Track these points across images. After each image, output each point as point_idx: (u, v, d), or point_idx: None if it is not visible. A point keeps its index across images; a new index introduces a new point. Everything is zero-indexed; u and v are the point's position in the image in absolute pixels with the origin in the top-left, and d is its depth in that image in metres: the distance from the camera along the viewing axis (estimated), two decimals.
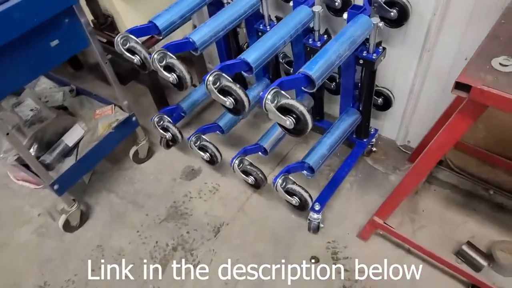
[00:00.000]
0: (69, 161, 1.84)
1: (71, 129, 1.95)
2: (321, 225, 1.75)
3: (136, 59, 1.51)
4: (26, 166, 1.79)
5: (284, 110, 1.22)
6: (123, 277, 1.73)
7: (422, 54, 1.64)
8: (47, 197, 2.07)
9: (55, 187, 1.70)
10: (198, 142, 1.90)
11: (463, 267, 1.52)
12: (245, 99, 1.29)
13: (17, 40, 1.32)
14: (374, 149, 2.03)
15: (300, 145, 2.15)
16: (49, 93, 2.19)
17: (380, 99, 1.88)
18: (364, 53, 1.54)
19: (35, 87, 2.23)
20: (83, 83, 2.54)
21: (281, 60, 2.04)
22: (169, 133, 1.99)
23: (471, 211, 1.78)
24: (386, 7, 1.51)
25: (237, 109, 1.33)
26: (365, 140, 1.93)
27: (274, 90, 1.21)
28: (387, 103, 1.89)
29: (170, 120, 1.98)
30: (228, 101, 1.31)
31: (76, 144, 1.93)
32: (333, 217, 1.83)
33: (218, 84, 1.31)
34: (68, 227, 1.88)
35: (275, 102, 1.22)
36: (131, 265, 1.76)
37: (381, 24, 1.45)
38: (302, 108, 1.18)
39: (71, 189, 1.83)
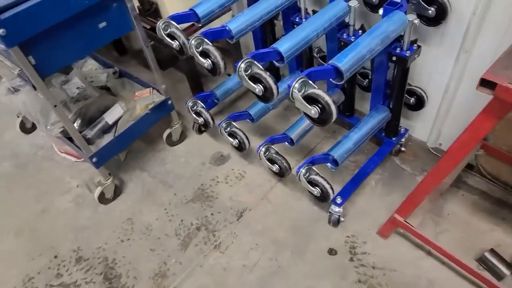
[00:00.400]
0: (108, 138, 1.96)
1: (112, 108, 2.07)
2: (342, 219, 1.76)
3: (175, 44, 1.59)
4: (69, 139, 1.94)
5: (311, 99, 1.25)
6: (149, 249, 1.83)
7: (459, 54, 1.61)
8: (86, 170, 2.22)
9: (94, 160, 1.83)
10: (228, 128, 1.97)
11: (484, 274, 1.49)
12: (274, 87, 1.34)
13: (69, 20, 1.44)
14: (403, 149, 2.01)
15: (328, 140, 2.16)
16: (94, 74, 2.33)
17: (413, 99, 1.86)
18: (398, 50, 1.54)
19: (82, 67, 2.39)
20: (126, 67, 2.67)
21: (315, 55, 2.07)
22: (202, 118, 2.07)
23: (500, 220, 1.73)
24: (425, 5, 1.50)
25: (266, 97, 1.38)
26: (394, 139, 1.91)
27: (302, 79, 1.25)
28: (419, 103, 1.86)
29: (204, 106, 2.06)
30: (258, 88, 1.36)
31: (115, 122, 2.05)
32: (355, 213, 1.84)
33: (249, 71, 1.36)
34: (102, 199, 2.01)
35: (302, 91, 1.26)
36: (157, 239, 1.87)
37: (416, 21, 1.44)
38: (327, 98, 1.21)
39: (107, 164, 1.96)
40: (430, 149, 2.03)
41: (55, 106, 1.58)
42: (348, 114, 2.06)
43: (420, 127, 2.02)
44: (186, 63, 2.22)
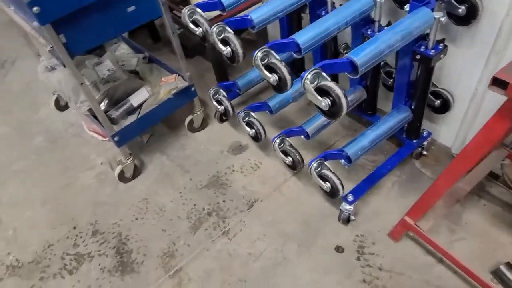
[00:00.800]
0: (131, 119, 2.04)
1: (138, 91, 2.15)
2: (352, 218, 1.74)
3: (199, 31, 1.63)
4: (96, 118, 2.03)
5: (323, 91, 1.24)
6: (160, 229, 1.89)
7: (489, 56, 1.54)
8: (111, 149, 2.31)
9: (115, 138, 1.91)
10: (246, 118, 1.99)
11: None
12: (288, 77, 1.34)
13: (100, 2, 1.51)
14: (424, 152, 1.95)
15: (347, 138, 2.13)
16: (126, 58, 2.42)
17: (438, 101, 1.79)
18: (422, 48, 1.49)
19: (115, 51, 2.48)
20: (158, 54, 2.75)
21: (341, 51, 2.04)
22: (222, 107, 2.10)
23: None
24: (455, 3, 1.44)
25: (280, 87, 1.38)
26: (415, 141, 1.86)
27: (316, 71, 1.24)
28: (445, 106, 1.79)
29: (225, 95, 2.09)
30: (272, 78, 1.36)
31: (140, 105, 2.13)
32: (367, 213, 1.81)
33: (266, 60, 1.37)
34: (122, 177, 2.09)
35: (315, 82, 1.25)
36: (169, 220, 1.92)
37: (443, 19, 1.39)
38: (339, 91, 1.20)
39: (131, 144, 2.04)
40: (454, 155, 1.95)
41: (81, 84, 1.66)
42: (370, 113, 2.02)
43: (445, 132, 1.95)
44: (212, 51, 2.26)
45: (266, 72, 1.37)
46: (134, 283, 1.72)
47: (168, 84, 2.10)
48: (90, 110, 2.06)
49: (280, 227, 1.82)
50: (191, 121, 2.28)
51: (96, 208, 2.05)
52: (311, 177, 1.73)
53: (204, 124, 2.33)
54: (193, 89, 2.10)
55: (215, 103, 2.13)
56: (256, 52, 1.37)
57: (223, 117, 2.24)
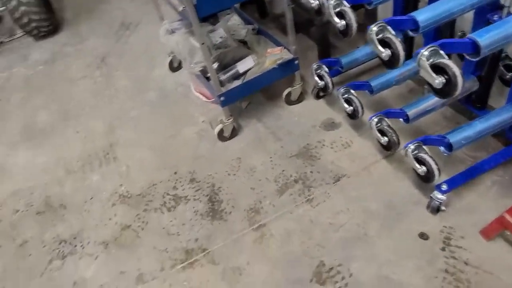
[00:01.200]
0: (236, 83, 2.20)
1: (245, 59, 2.30)
2: (442, 208, 1.70)
3: (314, 3, 1.69)
4: (206, 78, 2.23)
5: (437, 69, 1.24)
6: (249, 187, 2.04)
7: None
8: (213, 110, 2.52)
9: (221, 98, 2.09)
10: (346, 95, 2.02)
11: None
12: (402, 53, 1.35)
13: None
14: None
15: (447, 130, 2.02)
16: (236, 28, 2.59)
17: None
18: None
19: (228, 22, 2.67)
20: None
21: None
22: (323, 82, 2.16)
23: None
24: None
25: (391, 62, 1.40)
26: None
27: (433, 48, 1.23)
28: None
29: (327, 71, 2.14)
30: (385, 53, 1.38)
31: (245, 72, 2.28)
32: (460, 206, 1.75)
33: (380, 35, 1.39)
34: (221, 136, 2.29)
35: (431, 60, 1.24)
36: (258, 180, 2.07)
37: None
38: (456, 70, 1.18)
39: (231, 108, 2.21)
40: None
41: (203, 43, 1.84)
42: (479, 107, 1.91)
43: None
44: (319, 29, 2.31)
45: (379, 47, 1.39)
46: (221, 228, 1.91)
47: (274, 55, 2.21)
48: (202, 70, 2.27)
49: (364, 205, 1.85)
50: (289, 94, 2.38)
51: (194, 159, 2.27)
52: (403, 163, 1.72)
53: (300, 98, 2.42)
54: (296, 62, 2.18)
55: (316, 78, 2.19)
56: (371, 26, 1.39)
57: (321, 92, 2.29)
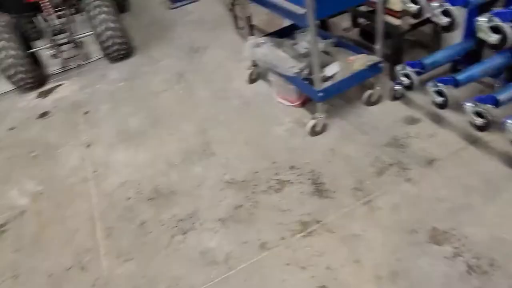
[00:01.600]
0: (328, 84, 2.50)
1: (331, 64, 2.62)
2: None
3: (415, 7, 2.02)
4: (300, 81, 2.54)
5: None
6: (347, 171, 2.27)
7: None
8: (295, 113, 2.80)
9: (320, 94, 2.38)
10: (436, 88, 2.29)
11: None
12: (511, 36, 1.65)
13: None
14: None
15: None
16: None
17: None
18: None
19: (306, 37, 3.03)
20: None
21: None
22: (408, 80, 2.44)
23: None
24: None
25: (499, 45, 1.69)
26: None
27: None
28: None
29: (413, 70, 2.43)
30: (495, 38, 1.68)
31: (332, 76, 2.59)
32: None
33: (490, 24, 1.70)
34: (313, 130, 2.54)
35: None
36: (354, 165, 2.29)
37: None
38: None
39: (315, 108, 2.50)
40: None
41: (315, 46, 2.16)
42: None
43: None
44: (396, 40, 2.64)
45: (489, 32, 1.69)
46: (330, 204, 2.11)
47: (361, 59, 2.53)
48: (295, 73, 2.57)
49: (462, 181, 2.06)
50: (369, 95, 2.66)
51: (289, 151, 2.51)
52: (489, 149, 1.95)
53: (379, 100, 2.70)
54: (381, 64, 2.49)
55: (402, 77, 2.47)
56: (479, 17, 1.71)
57: (407, 89, 2.54)
